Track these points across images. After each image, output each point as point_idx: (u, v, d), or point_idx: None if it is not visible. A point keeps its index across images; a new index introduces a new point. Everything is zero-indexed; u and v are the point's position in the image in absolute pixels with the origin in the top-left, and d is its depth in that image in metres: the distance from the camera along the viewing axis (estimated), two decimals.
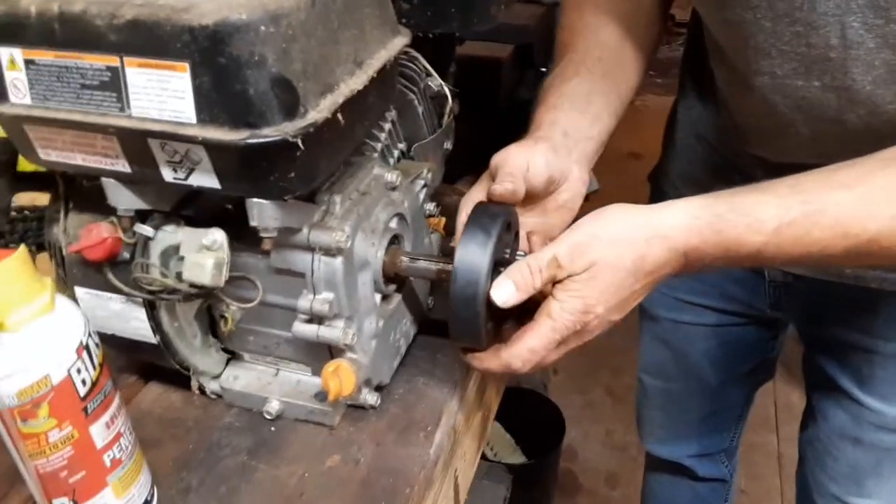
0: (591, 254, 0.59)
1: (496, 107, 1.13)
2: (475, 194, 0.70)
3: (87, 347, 0.54)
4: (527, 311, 0.63)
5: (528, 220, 0.72)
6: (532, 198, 0.71)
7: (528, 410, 1.81)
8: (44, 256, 0.70)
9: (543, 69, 1.18)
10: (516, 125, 1.02)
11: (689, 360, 1.13)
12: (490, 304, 0.62)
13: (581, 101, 0.75)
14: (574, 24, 0.83)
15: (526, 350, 0.61)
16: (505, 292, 0.60)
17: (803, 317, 0.99)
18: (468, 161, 1.07)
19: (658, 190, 1.04)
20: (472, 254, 0.61)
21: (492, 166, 0.70)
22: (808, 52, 0.67)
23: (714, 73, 0.84)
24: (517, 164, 0.67)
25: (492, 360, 0.64)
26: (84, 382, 0.54)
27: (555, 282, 0.61)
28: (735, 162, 0.88)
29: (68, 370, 0.53)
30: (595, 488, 1.97)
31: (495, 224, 0.62)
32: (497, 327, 0.66)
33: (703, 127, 0.93)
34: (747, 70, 0.72)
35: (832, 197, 0.59)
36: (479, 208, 0.65)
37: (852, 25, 0.63)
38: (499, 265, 0.63)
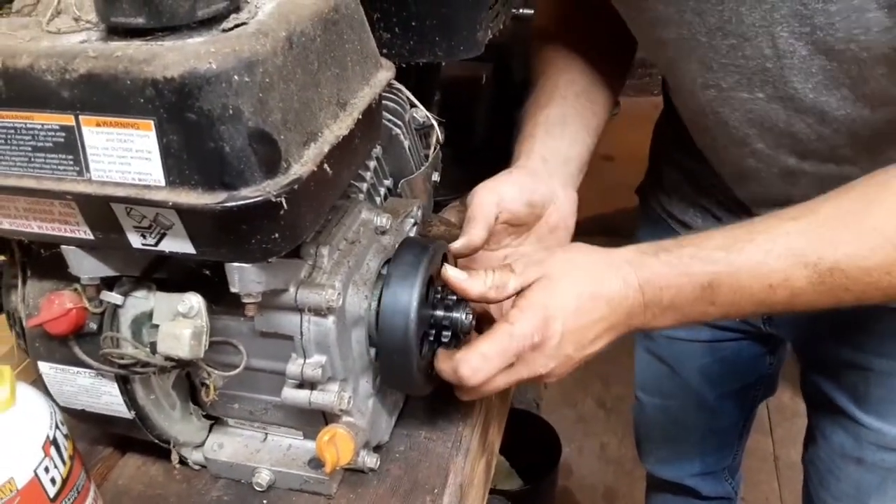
0: (545, 266, 0.60)
1: (477, 128, 1.08)
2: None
3: (54, 441, 0.48)
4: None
5: (525, 248, 0.73)
6: (521, 225, 0.72)
7: (521, 431, 1.76)
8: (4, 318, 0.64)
9: (523, 85, 1.14)
10: (498, 144, 0.98)
11: (686, 377, 1.11)
12: (426, 344, 0.61)
13: (557, 127, 0.76)
14: (547, 52, 0.84)
15: (478, 355, 0.58)
16: (457, 272, 0.60)
17: (796, 334, 0.97)
18: (452, 185, 1.03)
19: (646, 204, 1.02)
20: (399, 294, 0.59)
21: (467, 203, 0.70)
22: (746, 64, 0.65)
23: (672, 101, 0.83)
24: (483, 204, 0.68)
25: (444, 361, 0.60)
26: (53, 481, 0.48)
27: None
28: (715, 180, 0.86)
29: (34, 470, 0.47)
30: None
31: (421, 260, 0.60)
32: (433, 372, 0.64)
33: (684, 143, 0.90)
34: (694, 85, 0.71)
35: (782, 227, 0.58)
36: (406, 243, 0.64)
37: (781, 35, 0.62)
38: (436, 304, 0.63)
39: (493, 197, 0.68)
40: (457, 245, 0.67)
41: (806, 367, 0.98)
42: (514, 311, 0.58)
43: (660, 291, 0.59)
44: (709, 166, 0.84)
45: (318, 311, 0.56)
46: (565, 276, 0.59)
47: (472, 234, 0.67)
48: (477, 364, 0.57)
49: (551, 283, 0.59)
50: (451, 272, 0.61)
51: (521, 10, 1.11)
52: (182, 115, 0.43)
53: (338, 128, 0.52)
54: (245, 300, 0.52)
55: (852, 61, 0.60)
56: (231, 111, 0.43)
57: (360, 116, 0.55)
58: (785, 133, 0.69)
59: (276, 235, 0.48)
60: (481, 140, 1.09)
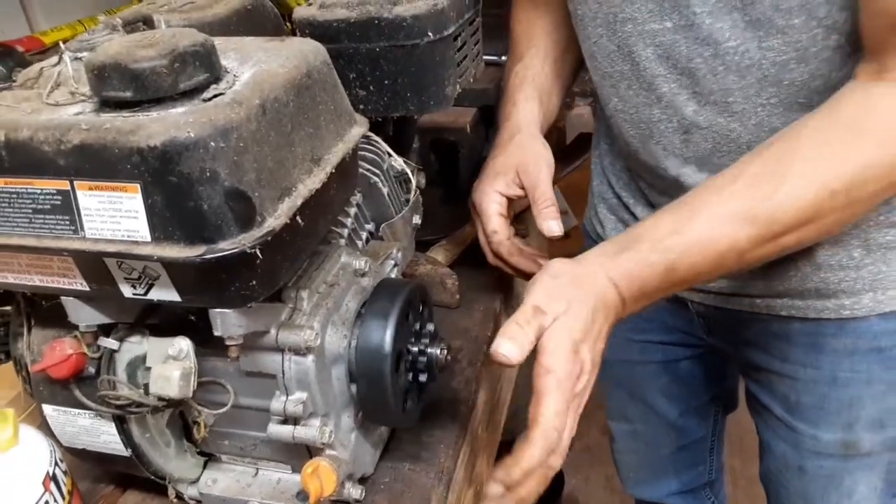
0: (565, 293, 0.64)
1: (463, 169, 1.13)
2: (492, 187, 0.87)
3: (54, 477, 0.52)
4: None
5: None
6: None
7: None
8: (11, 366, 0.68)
9: None
10: None
11: (647, 400, 1.14)
12: (403, 378, 0.65)
13: (545, 97, 0.94)
14: (531, 20, 0.97)
15: (552, 415, 0.60)
16: (509, 351, 0.61)
17: (732, 345, 1.00)
18: (437, 226, 1.08)
19: (590, 241, 1.06)
20: (374, 332, 0.64)
21: (530, 189, 0.84)
22: None
23: (592, 73, 0.88)
24: (544, 178, 0.84)
25: (526, 456, 0.60)
26: None
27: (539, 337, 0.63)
28: (635, 206, 0.94)
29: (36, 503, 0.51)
30: None
31: (396, 301, 0.65)
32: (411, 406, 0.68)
33: (611, 172, 0.97)
34: (615, 22, 0.77)
35: (717, 195, 0.64)
36: (382, 284, 0.69)
37: None
38: (412, 340, 0.67)
39: (549, 170, 0.84)
40: (557, 231, 0.81)
41: (744, 378, 1.01)
42: (547, 356, 0.61)
43: (631, 285, 0.65)
44: (630, 192, 0.92)
45: (298, 351, 0.60)
46: (581, 300, 0.63)
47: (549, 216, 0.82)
48: (557, 422, 0.60)
49: (572, 308, 0.63)
50: (506, 353, 0.62)
51: (501, 58, 1.17)
52: (164, 179, 0.48)
53: (311, 182, 0.57)
54: (228, 343, 0.56)
55: None
56: (208, 173, 0.48)
57: (334, 170, 0.59)
58: (686, 71, 0.73)
59: (254, 283, 0.52)
60: (467, 181, 1.14)
